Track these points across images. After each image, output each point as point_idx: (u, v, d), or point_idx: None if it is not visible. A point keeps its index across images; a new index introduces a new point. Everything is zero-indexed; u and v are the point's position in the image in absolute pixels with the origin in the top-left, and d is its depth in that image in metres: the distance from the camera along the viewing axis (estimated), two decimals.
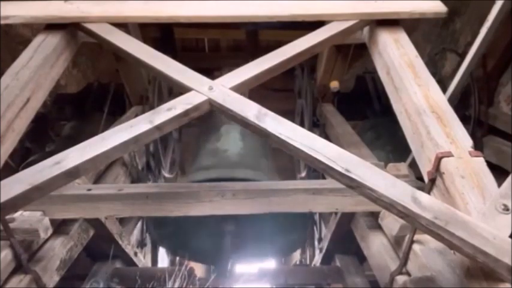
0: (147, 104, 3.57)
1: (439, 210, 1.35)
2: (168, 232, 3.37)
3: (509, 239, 1.28)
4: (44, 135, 4.30)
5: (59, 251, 2.29)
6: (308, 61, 3.68)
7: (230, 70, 1.97)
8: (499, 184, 1.43)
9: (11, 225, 1.94)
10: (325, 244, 3.38)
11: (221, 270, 3.12)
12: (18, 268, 1.98)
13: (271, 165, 3.63)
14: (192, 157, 3.93)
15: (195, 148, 3.90)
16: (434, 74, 2.05)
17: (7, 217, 1.90)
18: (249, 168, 3.26)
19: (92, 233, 2.68)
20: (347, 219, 2.76)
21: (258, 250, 3.68)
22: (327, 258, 3.43)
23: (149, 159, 3.61)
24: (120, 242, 2.98)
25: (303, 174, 3.87)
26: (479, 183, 1.44)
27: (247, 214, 2.31)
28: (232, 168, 3.19)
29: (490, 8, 2.55)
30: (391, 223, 2.08)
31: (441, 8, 2.26)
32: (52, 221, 2.18)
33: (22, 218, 2.07)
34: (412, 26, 3.86)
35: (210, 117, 3.79)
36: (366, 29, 2.36)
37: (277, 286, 3.34)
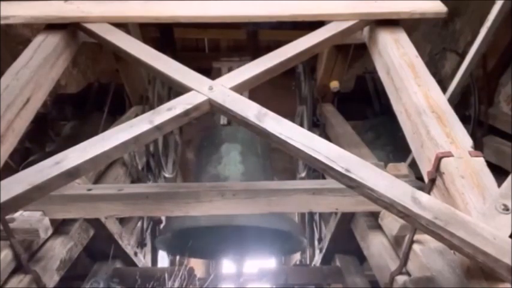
0: (147, 104, 3.57)
1: (439, 210, 1.35)
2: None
3: (509, 239, 1.28)
4: (44, 135, 4.29)
5: (59, 251, 2.30)
6: (308, 61, 3.69)
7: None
8: (499, 184, 1.43)
9: (11, 225, 1.94)
10: (325, 244, 3.38)
11: None
12: (18, 268, 1.98)
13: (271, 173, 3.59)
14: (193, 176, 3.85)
15: (196, 166, 3.83)
16: (434, 74, 2.05)
17: (7, 217, 1.90)
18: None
19: (92, 233, 2.68)
20: (347, 219, 2.76)
21: None
22: (327, 258, 3.43)
23: (149, 159, 3.61)
24: (120, 242, 2.98)
25: (303, 174, 3.87)
26: (479, 183, 1.44)
27: None
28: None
29: (490, 8, 2.55)
30: (391, 223, 2.08)
31: (441, 8, 2.26)
32: (52, 221, 2.18)
33: (22, 218, 2.06)
34: (412, 26, 3.87)
35: (212, 130, 3.80)
36: (366, 29, 2.36)
37: (277, 286, 3.34)
